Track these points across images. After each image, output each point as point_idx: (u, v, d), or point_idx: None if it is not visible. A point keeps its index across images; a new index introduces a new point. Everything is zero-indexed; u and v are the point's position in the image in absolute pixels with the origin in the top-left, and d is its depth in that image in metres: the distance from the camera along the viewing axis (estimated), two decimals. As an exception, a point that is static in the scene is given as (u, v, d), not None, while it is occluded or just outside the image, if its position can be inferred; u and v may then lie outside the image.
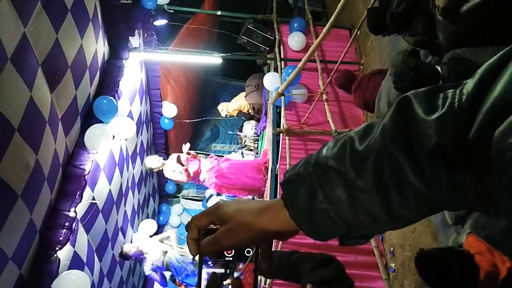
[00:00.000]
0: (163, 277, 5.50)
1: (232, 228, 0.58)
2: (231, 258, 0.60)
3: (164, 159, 5.62)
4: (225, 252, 0.60)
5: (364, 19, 4.14)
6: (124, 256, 4.98)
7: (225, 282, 0.61)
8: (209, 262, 0.63)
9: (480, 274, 1.79)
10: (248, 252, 0.60)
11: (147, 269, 5.22)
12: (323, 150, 0.57)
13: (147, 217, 6.41)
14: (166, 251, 5.24)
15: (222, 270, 0.60)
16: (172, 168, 5.43)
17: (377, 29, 3.05)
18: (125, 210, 5.07)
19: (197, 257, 0.62)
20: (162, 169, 5.52)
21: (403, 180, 0.48)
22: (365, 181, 0.51)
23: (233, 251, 0.60)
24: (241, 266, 0.61)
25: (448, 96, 0.46)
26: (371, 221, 0.53)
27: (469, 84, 0.44)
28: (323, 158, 0.55)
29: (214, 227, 0.60)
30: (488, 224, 1.95)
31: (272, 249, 0.65)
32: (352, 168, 0.52)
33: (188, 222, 0.63)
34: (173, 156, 5.53)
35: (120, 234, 4.91)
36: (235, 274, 0.61)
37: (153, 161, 5.47)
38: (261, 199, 5.12)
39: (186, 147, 5.59)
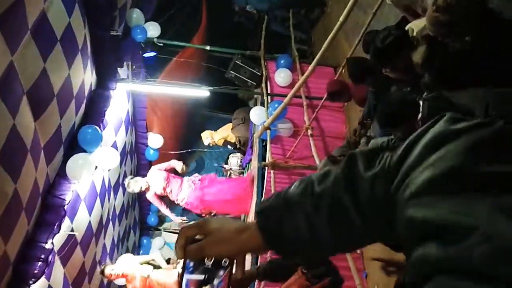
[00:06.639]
0: None
1: (215, 240, 0.69)
2: (210, 266, 0.70)
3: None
4: (206, 260, 0.70)
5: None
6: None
7: None
8: (190, 269, 0.72)
9: None
10: (225, 262, 0.71)
11: None
12: (291, 187, 0.69)
13: (127, 250, 6.22)
14: (148, 275, 4.93)
15: (202, 277, 0.70)
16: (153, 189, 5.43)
17: (358, 78, 3.15)
18: (104, 243, 4.92)
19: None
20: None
21: (347, 217, 0.61)
22: (320, 215, 0.63)
23: (212, 258, 0.70)
24: (221, 273, 0.70)
25: (383, 158, 0.61)
26: (324, 246, 0.66)
27: (398, 150, 0.58)
28: (290, 194, 0.68)
29: (200, 237, 0.71)
30: None
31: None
32: (310, 204, 0.64)
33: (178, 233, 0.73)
34: (152, 171, 5.52)
35: (98, 268, 4.74)
36: (215, 282, 0.70)
37: (139, 186, 5.37)
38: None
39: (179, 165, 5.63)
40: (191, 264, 0.71)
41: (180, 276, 0.71)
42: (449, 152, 0.48)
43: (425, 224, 0.45)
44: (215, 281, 0.70)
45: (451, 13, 1.90)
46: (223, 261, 0.70)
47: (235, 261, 0.72)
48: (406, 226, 0.49)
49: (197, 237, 0.71)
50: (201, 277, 0.69)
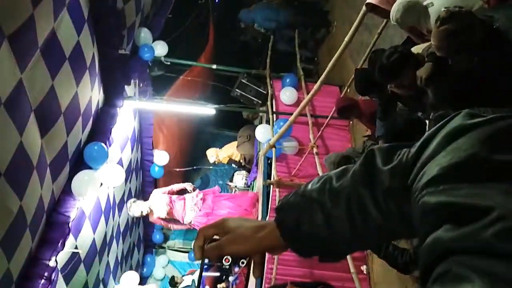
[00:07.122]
0: None
1: (233, 238, 0.71)
2: (227, 267, 0.68)
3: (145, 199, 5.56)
4: (223, 261, 0.69)
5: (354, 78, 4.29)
6: None
7: (219, 286, 0.68)
8: (205, 266, 0.71)
9: None
10: (243, 262, 0.70)
11: None
12: (309, 184, 0.71)
13: (131, 268, 6.17)
14: None
15: (218, 274, 0.66)
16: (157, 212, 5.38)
17: (364, 90, 3.15)
18: (108, 261, 4.89)
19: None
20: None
21: (365, 211, 0.63)
22: (339, 210, 0.65)
23: (230, 260, 0.69)
24: (236, 269, 0.69)
25: (401, 153, 0.62)
26: (341, 242, 0.67)
27: (415, 145, 0.59)
28: (308, 191, 0.70)
29: (217, 237, 0.72)
30: None
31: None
32: (329, 199, 0.66)
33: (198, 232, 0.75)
34: (154, 195, 5.49)
35: (101, 286, 4.70)
36: (230, 278, 0.68)
37: (139, 210, 5.34)
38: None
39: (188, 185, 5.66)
40: (206, 261, 0.71)
41: (200, 273, 0.72)
42: (466, 142, 0.49)
43: (438, 207, 0.45)
44: (230, 278, 0.70)
45: (455, 20, 1.93)
46: (240, 262, 0.70)
47: (252, 260, 0.73)
48: (420, 216, 0.50)
49: (215, 237, 0.73)
50: (217, 274, 0.70)
